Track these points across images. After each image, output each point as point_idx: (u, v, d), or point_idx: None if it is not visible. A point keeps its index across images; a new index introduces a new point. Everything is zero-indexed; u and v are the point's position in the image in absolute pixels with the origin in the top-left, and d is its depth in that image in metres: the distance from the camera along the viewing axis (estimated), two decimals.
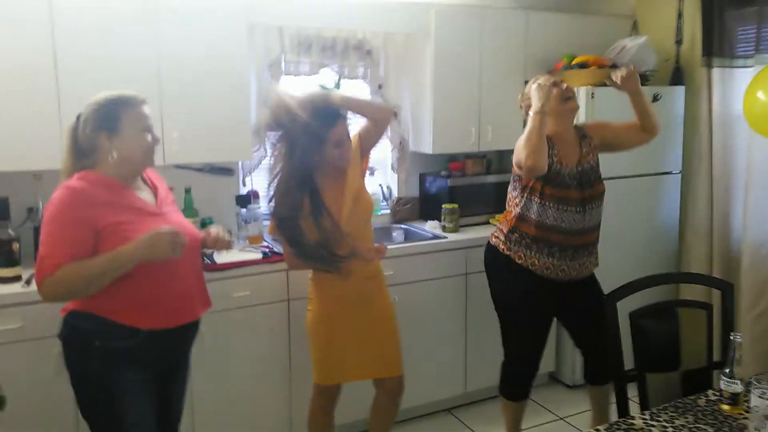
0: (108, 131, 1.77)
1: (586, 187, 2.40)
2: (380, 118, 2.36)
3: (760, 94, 2.72)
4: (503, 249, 2.50)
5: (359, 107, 2.35)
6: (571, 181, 2.38)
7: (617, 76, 2.45)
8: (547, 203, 2.38)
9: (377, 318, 2.40)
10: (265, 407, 2.76)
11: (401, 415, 2.69)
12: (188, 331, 1.93)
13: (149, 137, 1.83)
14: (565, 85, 2.42)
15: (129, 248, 1.68)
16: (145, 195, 1.88)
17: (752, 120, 2.82)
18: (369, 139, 2.39)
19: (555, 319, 2.63)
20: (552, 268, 2.40)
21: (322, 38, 3.18)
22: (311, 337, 2.42)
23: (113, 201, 1.76)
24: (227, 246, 2.01)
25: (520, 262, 2.44)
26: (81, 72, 2.44)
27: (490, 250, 2.60)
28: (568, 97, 2.42)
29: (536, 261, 2.41)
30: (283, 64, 3.12)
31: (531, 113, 2.36)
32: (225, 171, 3.10)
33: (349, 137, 2.29)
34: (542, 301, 2.48)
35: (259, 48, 3.04)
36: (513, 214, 2.48)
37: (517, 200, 2.48)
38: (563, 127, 2.45)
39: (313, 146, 2.18)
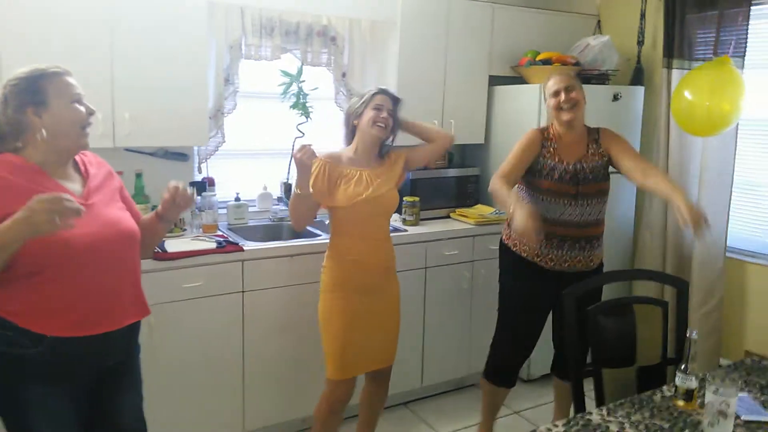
0: (34, 105, 1.58)
1: (582, 183, 2.43)
2: (440, 142, 2.54)
3: (687, 94, 2.87)
4: (504, 237, 2.63)
5: (421, 131, 2.55)
6: (566, 176, 2.42)
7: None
8: (538, 195, 2.45)
9: (388, 307, 2.42)
10: (219, 401, 2.68)
11: (354, 410, 2.64)
12: (113, 340, 1.69)
13: (82, 108, 1.64)
14: (563, 97, 2.43)
15: (3, 226, 1.41)
16: (72, 185, 1.66)
17: (679, 118, 2.97)
18: (420, 159, 2.54)
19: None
20: (541, 255, 2.46)
21: (285, 22, 3.09)
22: (326, 328, 2.36)
23: (28, 188, 1.53)
24: (188, 202, 1.83)
25: (515, 249, 2.53)
26: (22, 46, 2.29)
27: (500, 239, 2.68)
28: (561, 108, 2.44)
29: (528, 249, 2.48)
30: (243, 47, 3.02)
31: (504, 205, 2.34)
32: (179, 156, 2.98)
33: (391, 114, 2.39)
34: (537, 291, 2.51)
35: (219, 28, 2.93)
36: None
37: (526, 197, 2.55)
38: (565, 129, 2.48)
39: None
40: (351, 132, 2.44)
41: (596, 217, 2.48)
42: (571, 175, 2.42)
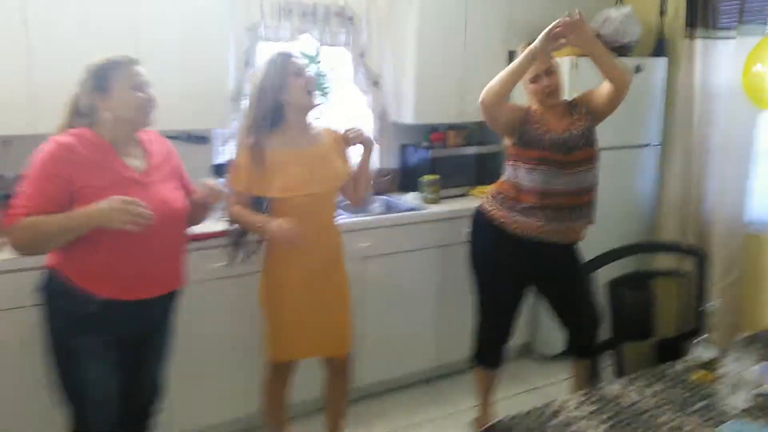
0: (99, 91, 1.81)
1: (573, 151, 2.39)
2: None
3: (759, 67, 2.75)
4: (487, 209, 2.54)
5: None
6: (554, 145, 2.38)
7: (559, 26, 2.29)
8: (526, 165, 2.41)
9: (334, 292, 2.32)
10: (239, 380, 2.73)
11: (379, 387, 2.69)
12: (153, 306, 1.91)
13: (141, 94, 1.85)
14: (545, 82, 2.40)
15: (83, 212, 1.68)
16: (134, 162, 1.87)
17: (751, 93, 2.84)
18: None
19: (535, 289, 2.64)
20: (532, 228, 2.42)
21: (302, 4, 3.10)
22: (263, 309, 2.33)
23: (97, 162, 1.77)
24: (220, 196, 2.02)
25: (502, 221, 2.47)
26: (52, 34, 2.35)
27: (476, 213, 2.62)
28: (547, 94, 2.41)
29: (518, 221, 2.44)
30: (262, 29, 3.04)
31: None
32: (200, 139, 3.03)
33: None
34: (519, 266, 2.50)
35: (238, 12, 2.95)
36: (500, 180, 2.56)
37: (505, 165, 2.54)
38: (546, 108, 2.45)
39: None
40: (273, 111, 2.18)
41: (588, 184, 2.45)
42: (560, 143, 2.38)
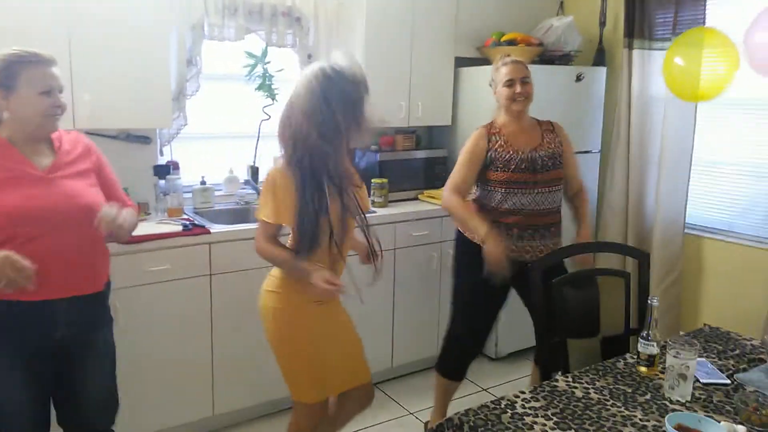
0: (4, 89, 1.66)
1: (539, 171, 2.43)
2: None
3: (678, 60, 2.87)
4: (463, 230, 2.55)
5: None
6: (522, 165, 2.41)
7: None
8: (496, 188, 2.43)
9: (347, 317, 2.14)
10: (188, 384, 2.65)
11: None
12: (60, 309, 1.72)
13: (48, 100, 1.69)
14: (518, 89, 2.41)
15: None
16: (40, 159, 1.73)
17: (672, 85, 2.96)
18: None
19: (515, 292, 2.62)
20: (515, 249, 2.42)
21: (248, 2, 3.04)
22: (289, 347, 2.00)
23: None
24: (117, 229, 1.75)
25: (476, 242, 2.44)
26: None
27: (456, 231, 2.62)
28: (515, 99, 2.43)
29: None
30: (206, 28, 2.96)
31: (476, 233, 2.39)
32: (142, 139, 2.91)
33: None
34: (493, 284, 2.40)
35: (180, 8, 2.86)
36: (470, 195, 2.56)
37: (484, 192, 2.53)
38: (512, 119, 2.48)
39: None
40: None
41: (556, 205, 2.50)
42: (527, 163, 2.41)
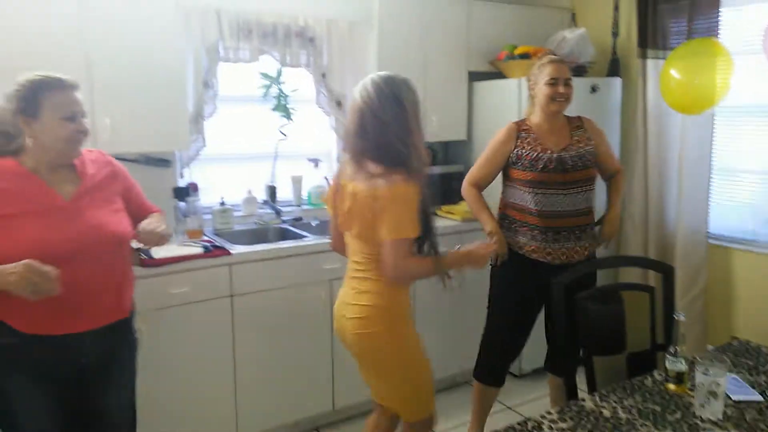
0: (26, 115, 1.64)
1: (570, 171, 2.40)
2: None
3: (674, 72, 2.88)
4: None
5: None
6: (550, 165, 2.38)
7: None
8: (525, 188, 2.42)
9: None
10: (210, 408, 2.65)
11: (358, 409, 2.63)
12: (86, 341, 1.73)
13: (71, 126, 1.67)
14: (561, 89, 2.39)
15: None
16: (63, 186, 1.72)
17: (668, 98, 2.97)
18: None
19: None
20: (538, 251, 2.42)
21: (262, 24, 3.07)
22: (415, 366, 1.97)
23: (16, 192, 1.63)
24: (160, 240, 1.85)
25: (508, 242, 2.48)
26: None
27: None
28: (555, 99, 2.40)
29: (522, 244, 2.45)
30: (221, 50, 3.00)
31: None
32: (161, 162, 2.94)
33: None
34: (527, 287, 2.47)
35: (195, 31, 2.90)
36: (501, 201, 2.57)
37: (501, 187, 2.56)
38: (546, 118, 2.46)
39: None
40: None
41: (587, 205, 2.46)
42: (556, 163, 2.38)
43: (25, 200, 1.65)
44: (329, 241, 2.20)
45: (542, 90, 2.42)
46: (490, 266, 2.60)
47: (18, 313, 1.63)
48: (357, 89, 1.93)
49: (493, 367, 2.64)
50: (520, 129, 2.46)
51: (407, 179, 1.82)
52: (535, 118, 2.48)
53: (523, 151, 2.42)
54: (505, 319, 2.57)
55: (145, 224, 1.83)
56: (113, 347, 1.84)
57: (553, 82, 2.39)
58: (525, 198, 2.43)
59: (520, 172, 2.43)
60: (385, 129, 1.85)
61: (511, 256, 2.49)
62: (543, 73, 2.41)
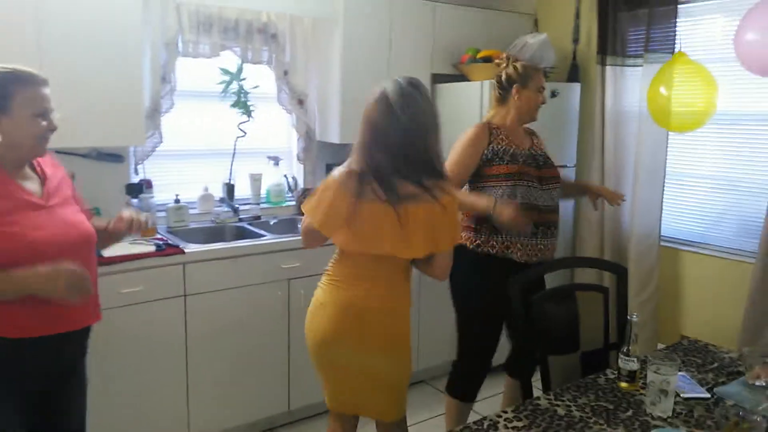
0: None
1: (542, 168, 2.44)
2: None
3: (663, 90, 2.88)
4: (471, 243, 2.41)
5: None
6: (527, 160, 2.41)
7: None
8: (506, 182, 2.35)
9: None
10: (162, 407, 2.58)
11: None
12: (70, 342, 1.70)
13: (44, 123, 1.60)
14: (545, 100, 2.49)
15: (22, 276, 1.49)
16: (31, 185, 1.65)
17: (655, 115, 2.98)
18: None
19: None
20: (512, 247, 2.35)
21: (224, 18, 3.02)
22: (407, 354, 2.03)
23: None
24: (145, 228, 1.84)
25: (480, 249, 2.38)
26: None
27: (455, 249, 2.24)
28: (539, 107, 2.49)
29: (510, 244, 2.36)
30: (180, 44, 2.93)
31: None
32: (114, 157, 2.85)
33: None
34: (502, 291, 2.26)
35: (154, 24, 2.83)
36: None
37: (475, 189, 2.43)
38: (519, 121, 2.49)
39: None
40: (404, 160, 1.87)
41: (557, 202, 2.49)
42: (530, 159, 2.41)
43: (8, 197, 1.57)
44: (288, 239, 2.16)
45: (532, 97, 2.45)
46: (458, 281, 2.47)
47: (7, 318, 1.55)
48: (394, 103, 1.88)
49: (470, 383, 2.54)
50: (491, 128, 2.44)
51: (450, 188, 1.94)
52: (503, 120, 2.47)
53: (499, 146, 2.39)
54: (482, 325, 2.48)
55: (126, 214, 1.81)
56: (78, 354, 1.79)
57: (542, 91, 2.47)
58: (505, 194, 2.34)
59: (500, 167, 2.37)
60: (426, 142, 1.87)
61: (482, 259, 2.39)
62: (535, 80, 2.44)
